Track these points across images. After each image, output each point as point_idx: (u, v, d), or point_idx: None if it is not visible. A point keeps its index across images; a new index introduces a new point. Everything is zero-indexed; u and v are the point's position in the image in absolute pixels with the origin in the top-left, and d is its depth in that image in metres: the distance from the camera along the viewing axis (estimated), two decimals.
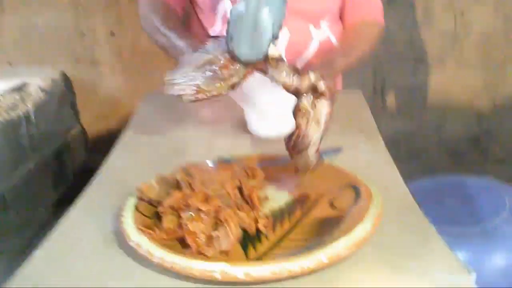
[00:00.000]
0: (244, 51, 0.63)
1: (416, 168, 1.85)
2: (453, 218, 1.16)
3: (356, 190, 0.67)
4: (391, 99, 1.92)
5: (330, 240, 0.56)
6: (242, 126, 0.95)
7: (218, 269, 0.51)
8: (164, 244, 0.57)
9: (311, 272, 0.52)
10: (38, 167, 1.59)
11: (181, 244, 0.59)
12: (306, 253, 0.53)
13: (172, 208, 0.62)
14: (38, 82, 1.66)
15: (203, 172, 0.69)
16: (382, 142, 0.89)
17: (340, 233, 0.57)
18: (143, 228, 0.59)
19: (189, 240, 0.57)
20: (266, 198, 0.69)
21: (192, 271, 0.52)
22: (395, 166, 0.80)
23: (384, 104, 1.91)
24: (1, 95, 1.48)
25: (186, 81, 0.66)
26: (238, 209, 0.62)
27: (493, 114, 1.90)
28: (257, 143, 0.88)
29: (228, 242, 0.57)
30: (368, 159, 0.83)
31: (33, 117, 1.56)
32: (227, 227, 0.58)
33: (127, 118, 1.96)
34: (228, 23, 0.63)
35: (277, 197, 0.70)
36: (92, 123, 1.94)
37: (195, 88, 0.64)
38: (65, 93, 1.81)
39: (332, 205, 0.66)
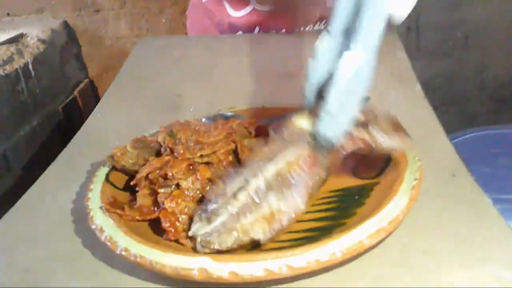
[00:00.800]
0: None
1: (453, 117, 1.66)
2: (507, 183, 0.94)
3: (386, 154, 0.52)
4: (426, 38, 1.70)
5: (350, 224, 0.42)
6: (254, 74, 0.80)
7: (196, 265, 0.38)
8: (136, 228, 0.44)
9: (322, 268, 0.38)
10: (43, 125, 1.50)
11: (159, 229, 0.46)
12: (316, 242, 0.39)
13: (150, 180, 0.49)
14: (36, 32, 1.53)
15: (192, 133, 0.55)
16: (419, 87, 0.72)
17: (364, 212, 0.43)
18: (108, 206, 0.46)
19: (164, 224, 0.44)
20: None
21: (163, 268, 0.39)
22: (436, 119, 0.64)
23: (418, 44, 1.69)
24: None
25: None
26: None
27: None
28: (269, 96, 0.73)
29: None
30: (401, 108, 0.66)
31: (32, 71, 1.44)
32: None
33: None
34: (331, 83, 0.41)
35: None
36: (101, 75, 1.82)
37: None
38: (68, 45, 1.68)
39: (354, 172, 0.52)
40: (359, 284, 0.39)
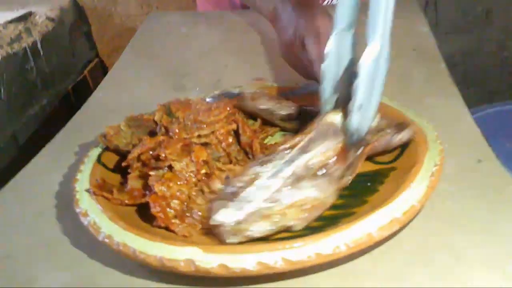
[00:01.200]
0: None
1: (472, 94, 1.59)
2: None
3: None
4: (445, 14, 1.62)
5: (360, 213, 0.37)
6: (265, 52, 0.74)
7: (183, 256, 0.34)
8: (124, 214, 0.41)
9: (324, 263, 0.34)
10: (53, 105, 1.47)
11: (149, 214, 0.42)
12: (319, 233, 0.34)
13: (142, 162, 0.45)
14: (45, 11, 1.49)
15: (191, 112, 0.51)
16: (443, 64, 0.66)
17: (377, 201, 0.39)
18: (95, 189, 0.43)
19: (153, 209, 0.40)
20: (275, 147, 0.50)
21: (146, 258, 0.35)
22: (461, 100, 0.58)
23: (437, 19, 1.61)
24: (2, 26, 1.33)
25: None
26: (232, 164, 0.44)
27: None
28: (281, 74, 0.68)
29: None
30: (424, 87, 0.61)
31: (41, 50, 1.41)
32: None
33: None
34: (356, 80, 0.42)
35: None
36: (110, 54, 1.78)
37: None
38: (78, 23, 1.64)
39: (370, 156, 0.47)
40: (367, 283, 0.35)
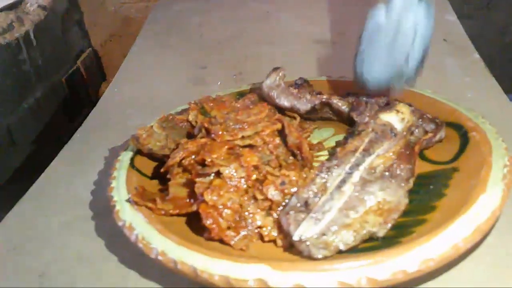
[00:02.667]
0: (376, 73, 0.46)
1: None
2: None
3: (460, 132, 0.44)
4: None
5: (434, 221, 0.35)
6: (284, 42, 0.71)
7: (252, 275, 0.31)
8: (170, 225, 0.37)
9: (409, 281, 0.31)
10: (47, 97, 1.41)
11: (196, 226, 0.39)
12: (399, 246, 0.32)
13: (184, 167, 0.42)
14: None
15: (227, 111, 0.47)
16: (476, 55, 0.63)
17: (447, 206, 0.36)
18: (137, 198, 0.39)
19: (206, 221, 0.36)
20: (321, 147, 0.47)
21: (210, 278, 0.32)
22: (502, 91, 0.56)
23: None
24: None
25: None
26: (282, 167, 0.41)
27: None
28: (306, 66, 0.64)
29: (270, 224, 0.37)
30: (460, 80, 0.58)
31: (33, 40, 1.35)
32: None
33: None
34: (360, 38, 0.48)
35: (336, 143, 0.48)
36: (104, 44, 1.72)
37: None
38: (70, 11, 1.57)
39: (421, 154, 0.44)
40: None
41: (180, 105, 0.54)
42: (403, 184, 0.37)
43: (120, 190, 0.41)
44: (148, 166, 0.46)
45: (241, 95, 0.54)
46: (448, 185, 0.39)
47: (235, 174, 0.39)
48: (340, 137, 0.49)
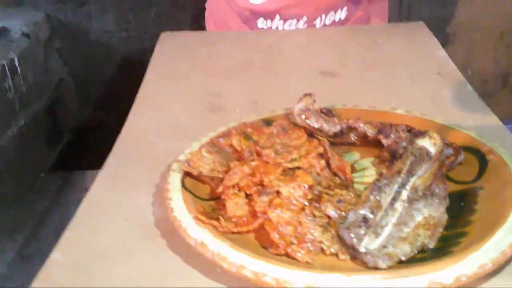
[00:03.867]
0: None
1: None
2: None
3: (477, 155, 0.50)
4: None
5: (476, 233, 0.40)
6: (291, 72, 0.76)
7: (333, 283, 0.34)
8: (234, 242, 0.40)
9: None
10: (30, 125, 1.39)
11: (259, 241, 0.42)
12: (459, 254, 0.36)
13: (239, 187, 0.45)
14: (20, 26, 1.41)
15: (267, 136, 0.51)
16: (469, 87, 0.71)
17: (482, 220, 0.41)
18: (202, 217, 0.42)
19: (273, 236, 0.40)
20: (353, 169, 0.52)
21: (294, 287, 0.35)
22: (497, 118, 0.63)
23: None
24: None
25: None
26: (331, 187, 0.45)
27: None
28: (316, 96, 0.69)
29: (329, 239, 0.40)
30: (462, 113, 0.65)
31: (18, 67, 1.34)
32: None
33: (123, 65, 1.75)
34: None
35: (365, 166, 0.53)
36: (83, 72, 1.72)
37: None
38: (51, 39, 1.57)
39: (447, 176, 0.49)
40: None
41: (203, 131, 0.56)
42: (443, 202, 0.42)
43: (180, 210, 0.43)
44: (196, 187, 0.48)
45: (266, 121, 0.58)
46: (477, 201, 0.45)
47: (293, 193, 0.43)
48: (368, 160, 0.54)
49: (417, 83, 0.73)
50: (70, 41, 1.66)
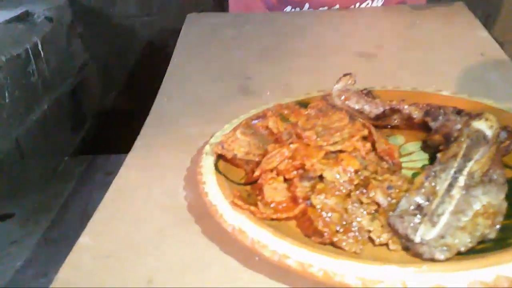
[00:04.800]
0: None
1: None
2: None
3: None
4: None
5: None
6: (324, 54, 0.72)
7: (387, 276, 0.31)
8: (275, 228, 0.37)
9: None
10: (53, 109, 1.38)
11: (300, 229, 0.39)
12: None
13: (278, 171, 0.42)
14: (43, 10, 1.40)
15: (305, 118, 0.48)
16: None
17: None
18: (239, 202, 0.39)
19: (318, 224, 0.37)
20: (399, 153, 0.48)
21: (342, 279, 0.32)
22: None
23: None
24: (3, 26, 1.24)
25: None
26: (378, 172, 0.41)
27: None
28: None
29: (378, 228, 0.37)
30: (506, 93, 0.61)
31: (41, 51, 1.33)
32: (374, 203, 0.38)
33: (145, 49, 1.73)
34: None
35: (411, 150, 0.49)
36: (105, 56, 1.71)
37: None
38: (74, 23, 1.56)
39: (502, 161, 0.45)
40: None
41: (234, 114, 0.54)
42: (502, 188, 0.39)
43: (215, 194, 0.41)
44: (230, 171, 0.45)
45: (301, 104, 0.55)
46: None
47: (338, 178, 0.39)
48: (414, 144, 0.50)
49: (459, 64, 0.68)
50: (93, 26, 1.64)
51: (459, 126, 0.43)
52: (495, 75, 0.65)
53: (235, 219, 0.38)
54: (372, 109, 0.51)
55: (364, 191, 0.39)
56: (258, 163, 0.44)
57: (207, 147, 0.47)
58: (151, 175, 0.50)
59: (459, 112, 0.49)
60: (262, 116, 0.51)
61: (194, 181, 0.44)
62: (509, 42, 1.57)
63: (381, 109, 0.51)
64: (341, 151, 0.43)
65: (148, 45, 1.70)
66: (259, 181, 0.42)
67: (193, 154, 0.51)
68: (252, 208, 0.39)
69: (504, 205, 0.38)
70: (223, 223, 0.38)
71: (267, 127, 0.48)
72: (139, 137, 0.57)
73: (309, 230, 0.38)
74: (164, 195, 0.46)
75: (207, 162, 0.45)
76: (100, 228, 0.43)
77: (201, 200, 0.41)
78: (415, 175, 0.45)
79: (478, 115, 0.43)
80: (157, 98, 0.66)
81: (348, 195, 0.39)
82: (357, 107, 0.52)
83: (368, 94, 0.54)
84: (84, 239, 0.42)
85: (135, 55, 1.70)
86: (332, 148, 0.43)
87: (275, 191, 0.41)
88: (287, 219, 0.39)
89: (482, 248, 0.35)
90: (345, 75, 0.54)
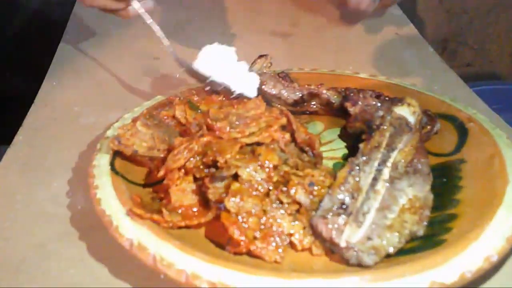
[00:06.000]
0: None
1: None
2: None
3: (455, 123, 0.44)
4: None
5: (468, 216, 0.34)
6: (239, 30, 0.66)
7: None
8: (182, 239, 0.31)
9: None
10: None
11: (211, 237, 0.33)
12: (459, 244, 0.30)
13: (186, 170, 0.36)
14: None
15: (218, 105, 0.42)
16: (431, 49, 0.66)
17: (471, 199, 0.36)
18: (140, 211, 0.32)
19: (233, 232, 0.31)
20: (319, 143, 0.45)
21: None
22: (464, 83, 0.58)
23: None
24: None
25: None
26: (299, 166, 0.37)
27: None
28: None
29: (299, 231, 0.33)
30: (423, 74, 0.60)
31: None
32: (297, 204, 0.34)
33: (30, 22, 1.55)
34: None
35: (331, 138, 0.46)
36: None
37: None
38: None
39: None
40: None
41: (140, 100, 0.47)
42: (427, 179, 0.36)
43: (110, 201, 0.34)
44: (129, 171, 0.39)
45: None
46: (461, 177, 0.39)
47: (256, 176, 0.34)
48: (333, 131, 0.47)
49: (375, 43, 0.67)
50: None
51: (380, 113, 0.40)
52: (410, 54, 0.64)
53: (133, 231, 0.31)
54: (290, 94, 0.47)
55: (284, 189, 0.34)
56: (163, 160, 0.38)
57: (101, 142, 0.40)
58: (33, 177, 0.41)
59: (378, 95, 0.46)
60: (168, 103, 0.44)
61: (85, 184, 0.37)
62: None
63: (299, 94, 0.47)
64: (258, 144, 0.38)
65: (35, 16, 1.51)
66: (164, 182, 0.36)
67: (85, 150, 0.44)
68: (155, 216, 0.32)
69: (430, 197, 0.35)
70: (119, 238, 0.31)
71: (173, 117, 0.42)
72: (20, 130, 0.48)
73: (223, 238, 0.32)
74: (48, 201, 0.38)
75: (101, 161, 0.38)
76: None
77: (93, 209, 0.34)
78: (336, 165, 0.42)
79: (399, 100, 0.40)
80: (45, 82, 0.57)
81: (267, 194, 0.34)
82: (274, 92, 0.47)
83: (285, 77, 0.50)
84: None
85: (16, 29, 1.51)
86: (248, 141, 0.37)
87: (183, 194, 0.35)
88: (198, 226, 0.34)
89: (411, 248, 0.32)
90: (260, 56, 0.49)
